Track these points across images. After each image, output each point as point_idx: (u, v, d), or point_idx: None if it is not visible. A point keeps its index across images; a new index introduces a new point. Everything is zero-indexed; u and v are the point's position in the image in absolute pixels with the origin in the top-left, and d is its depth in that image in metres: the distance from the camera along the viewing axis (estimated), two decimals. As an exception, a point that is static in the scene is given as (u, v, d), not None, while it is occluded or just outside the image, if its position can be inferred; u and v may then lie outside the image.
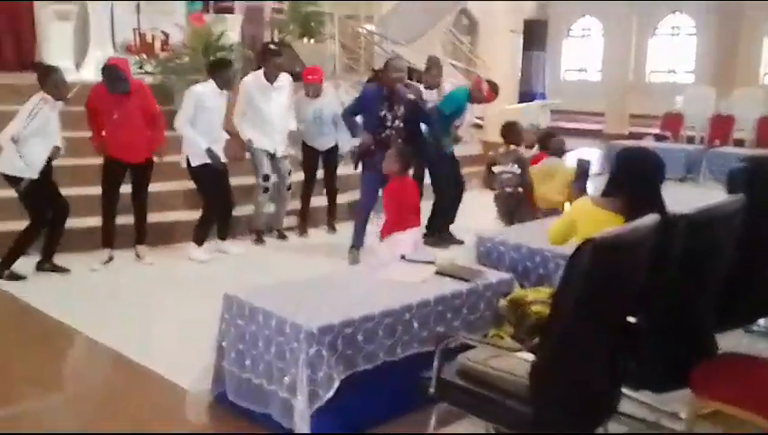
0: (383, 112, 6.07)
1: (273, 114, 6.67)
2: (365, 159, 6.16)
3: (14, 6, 9.20)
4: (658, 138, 11.97)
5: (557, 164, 6.23)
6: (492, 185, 6.25)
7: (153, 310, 5.05)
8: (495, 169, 6.14)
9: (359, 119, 6.30)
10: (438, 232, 6.92)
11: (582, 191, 4.38)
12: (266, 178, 6.64)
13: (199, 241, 6.27)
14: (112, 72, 5.78)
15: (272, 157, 6.70)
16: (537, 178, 6.17)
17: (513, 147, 6.16)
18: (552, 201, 6.10)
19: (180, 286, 5.56)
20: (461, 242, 6.72)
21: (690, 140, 12.72)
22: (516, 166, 6.09)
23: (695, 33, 17.67)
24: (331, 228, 7.29)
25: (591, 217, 3.42)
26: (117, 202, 5.93)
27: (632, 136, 14.23)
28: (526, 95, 15.10)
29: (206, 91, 6.16)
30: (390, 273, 3.99)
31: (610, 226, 3.31)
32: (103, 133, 5.87)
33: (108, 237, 5.94)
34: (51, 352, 4.41)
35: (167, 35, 9.70)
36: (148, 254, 6.12)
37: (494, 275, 4.07)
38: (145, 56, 9.43)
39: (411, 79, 12.17)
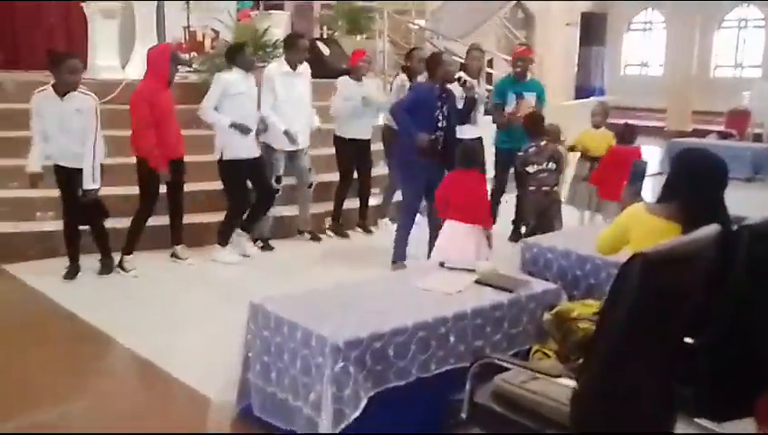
0: (437, 112, 5.72)
1: (295, 103, 6.39)
2: (405, 168, 5.89)
3: (66, 5, 9.25)
4: (723, 135, 11.43)
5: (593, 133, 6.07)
6: (523, 185, 5.97)
7: (181, 314, 4.90)
8: (530, 168, 5.83)
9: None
10: None
11: (637, 195, 4.04)
12: (279, 179, 6.40)
13: (224, 241, 6.06)
14: (178, 54, 5.65)
15: (290, 154, 6.43)
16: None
17: (543, 143, 5.86)
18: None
19: (210, 290, 5.41)
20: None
21: (757, 138, 12.10)
22: (552, 163, 5.76)
23: (763, 25, 16.86)
24: (366, 230, 7.02)
25: (645, 226, 3.12)
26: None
27: (695, 133, 13.65)
28: (583, 90, 14.63)
29: (232, 78, 5.97)
30: (426, 281, 3.75)
31: (666, 235, 3.01)
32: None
33: (134, 244, 5.71)
34: (76, 356, 4.30)
35: (217, 33, 9.60)
36: (186, 253, 5.97)
37: (539, 285, 3.79)
38: (195, 54, 9.38)
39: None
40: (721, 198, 3.05)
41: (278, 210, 6.59)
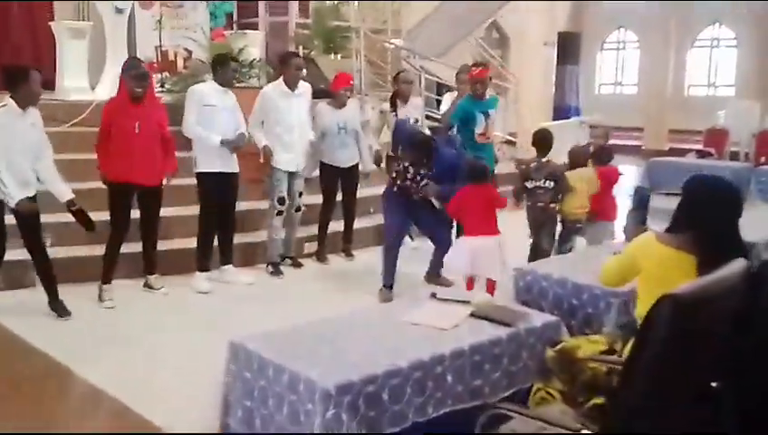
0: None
1: (294, 125, 6.17)
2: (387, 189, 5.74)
3: (33, 25, 8.94)
4: (701, 154, 11.39)
5: (581, 173, 5.81)
6: (522, 200, 5.83)
7: (154, 348, 4.58)
8: (528, 184, 5.66)
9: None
10: None
11: (641, 223, 3.84)
12: (282, 200, 6.15)
13: (201, 266, 5.80)
14: (138, 64, 5.33)
15: (289, 175, 6.21)
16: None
17: (545, 160, 5.69)
18: (571, 213, 5.74)
19: (185, 322, 5.09)
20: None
21: (734, 156, 12.10)
22: (550, 181, 5.61)
23: (735, 45, 17.00)
24: (348, 255, 6.79)
25: (656, 256, 2.92)
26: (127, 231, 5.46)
27: (672, 152, 13.62)
28: (560, 110, 14.58)
29: (206, 90, 5.74)
30: (418, 315, 3.52)
31: (679, 266, 2.84)
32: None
33: (112, 272, 5.40)
34: (39, 395, 3.98)
35: (189, 53, 9.38)
36: (159, 282, 5.67)
37: (538, 318, 3.58)
38: (167, 74, 9.13)
39: (440, 94, 11.81)
40: (736, 226, 2.88)
41: (252, 236, 6.32)
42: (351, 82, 6.75)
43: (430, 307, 3.66)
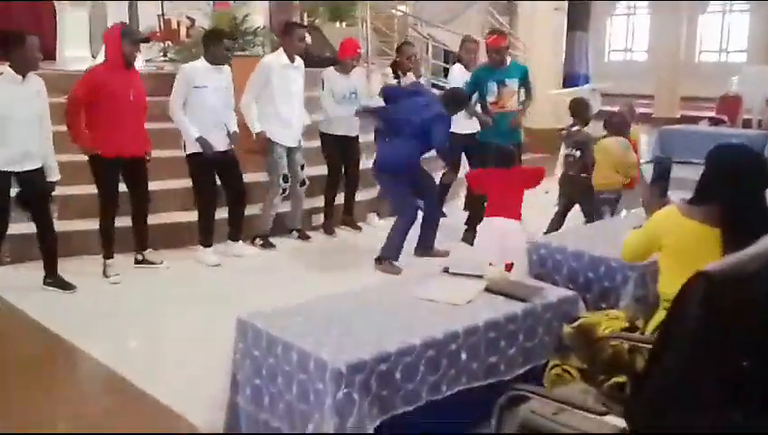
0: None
1: (293, 98, 6.03)
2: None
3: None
4: (714, 122, 11.18)
5: (607, 144, 5.66)
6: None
7: (160, 325, 4.52)
8: (561, 150, 5.65)
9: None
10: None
11: (662, 196, 3.69)
12: (286, 178, 6.01)
13: (205, 241, 5.68)
14: (136, 30, 5.15)
15: (288, 150, 6.08)
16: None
17: (576, 128, 5.56)
18: (597, 184, 5.61)
19: (192, 295, 5.00)
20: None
21: (746, 123, 11.88)
22: (577, 150, 5.55)
23: (747, 9, 16.67)
24: (354, 227, 6.66)
25: (679, 230, 2.80)
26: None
27: (684, 120, 13.40)
28: (570, 78, 14.32)
29: (196, 67, 5.52)
30: (430, 290, 3.41)
31: (704, 239, 2.72)
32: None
33: (112, 247, 5.26)
34: (44, 374, 3.92)
35: (193, 21, 9.21)
36: (157, 257, 5.55)
37: (553, 293, 3.47)
38: (170, 43, 8.98)
39: (447, 61, 11.61)
40: (763, 197, 2.75)
41: (250, 208, 6.21)
42: (359, 51, 6.58)
43: (442, 282, 3.56)
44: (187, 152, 5.55)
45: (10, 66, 4.60)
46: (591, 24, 17.02)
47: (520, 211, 4.93)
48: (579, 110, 5.82)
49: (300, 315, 3.13)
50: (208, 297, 4.94)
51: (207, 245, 5.67)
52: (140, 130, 5.21)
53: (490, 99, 6.09)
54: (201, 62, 5.57)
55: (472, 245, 6.05)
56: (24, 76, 4.62)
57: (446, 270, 3.72)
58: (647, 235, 2.99)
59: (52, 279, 4.96)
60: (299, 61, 6.06)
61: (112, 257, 5.21)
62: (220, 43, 5.52)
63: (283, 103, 5.93)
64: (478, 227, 5.19)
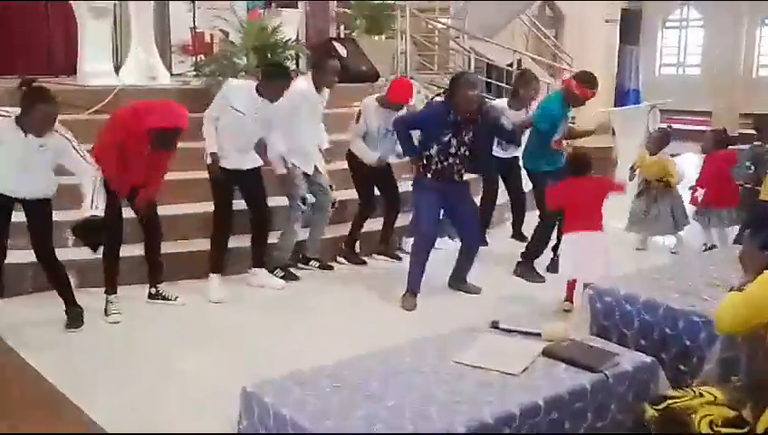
0: (447, 138, 4.94)
1: (310, 128, 5.53)
2: (417, 186, 5.12)
3: (54, 5, 8.39)
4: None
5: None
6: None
7: (161, 377, 3.91)
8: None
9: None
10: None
11: (765, 248, 2.99)
12: (304, 200, 5.48)
13: (213, 268, 5.16)
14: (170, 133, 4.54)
15: (307, 176, 5.56)
16: None
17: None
18: None
19: (199, 340, 4.41)
20: (541, 279, 5.57)
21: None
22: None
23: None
24: (391, 257, 6.04)
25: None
26: None
27: (743, 139, 12.56)
28: (618, 94, 13.63)
29: (238, 92, 5.05)
30: (477, 354, 2.82)
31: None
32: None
33: (115, 280, 4.78)
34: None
35: (226, 34, 8.74)
36: (173, 290, 5.03)
37: (628, 359, 2.84)
38: (203, 57, 8.56)
39: (490, 76, 11.01)
40: None
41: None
42: (411, 101, 5.95)
43: (491, 342, 2.96)
44: (208, 162, 5.08)
45: (16, 122, 4.15)
46: (642, 37, 16.29)
47: (600, 221, 4.79)
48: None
49: (315, 386, 2.56)
50: (215, 340, 4.36)
51: (215, 271, 5.15)
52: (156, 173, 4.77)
53: (556, 136, 5.47)
54: (246, 86, 5.09)
55: (530, 280, 5.54)
56: (25, 133, 4.16)
57: (495, 325, 3.13)
58: (753, 303, 2.35)
59: (68, 310, 4.52)
60: (326, 91, 5.55)
61: (115, 293, 4.70)
62: (276, 80, 5.02)
63: (299, 133, 5.44)
64: (566, 247, 4.88)
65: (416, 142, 5.15)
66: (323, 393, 2.50)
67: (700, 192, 6.08)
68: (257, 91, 5.01)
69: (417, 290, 5.02)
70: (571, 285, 4.81)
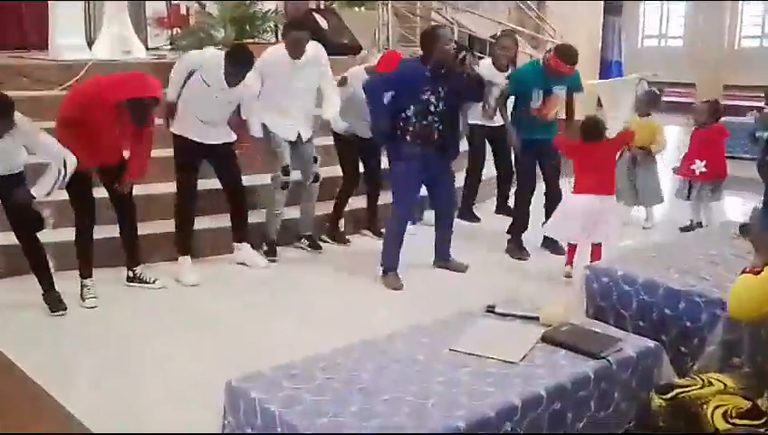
0: (426, 96, 4.75)
1: (296, 94, 5.26)
2: (396, 156, 4.93)
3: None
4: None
5: None
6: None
7: (140, 365, 3.74)
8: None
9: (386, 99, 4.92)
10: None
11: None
12: (286, 170, 5.26)
13: (180, 250, 4.94)
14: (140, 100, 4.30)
15: (293, 144, 5.33)
16: None
17: None
18: None
19: (179, 326, 4.21)
20: (525, 257, 5.47)
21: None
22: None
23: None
24: (376, 234, 5.84)
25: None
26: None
27: (728, 110, 12.49)
28: (601, 66, 13.46)
29: (214, 59, 4.80)
30: (470, 341, 2.69)
31: None
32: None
33: (90, 264, 4.57)
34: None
35: (203, 6, 8.49)
36: (149, 272, 4.82)
37: (630, 345, 2.72)
38: (179, 30, 8.30)
39: (472, 48, 10.82)
40: None
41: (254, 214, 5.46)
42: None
43: (488, 328, 2.83)
44: (172, 130, 4.90)
45: None
46: (623, 9, 16.10)
47: (612, 185, 4.86)
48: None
49: (304, 379, 2.41)
50: (201, 329, 4.14)
51: (184, 253, 4.96)
52: (117, 143, 4.52)
53: (531, 105, 5.29)
54: (217, 59, 4.82)
55: (517, 257, 5.44)
56: None
57: (490, 309, 3.00)
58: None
59: (47, 294, 4.33)
60: (309, 53, 5.26)
61: (90, 277, 4.51)
62: (239, 64, 4.78)
63: (283, 100, 5.22)
64: (559, 206, 4.99)
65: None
66: (314, 387, 2.36)
67: (699, 165, 5.94)
68: (225, 79, 4.76)
69: (397, 267, 4.88)
70: (572, 250, 4.81)
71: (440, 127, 4.81)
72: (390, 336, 2.77)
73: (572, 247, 4.87)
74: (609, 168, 4.85)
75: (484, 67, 6.12)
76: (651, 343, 2.74)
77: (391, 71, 5.31)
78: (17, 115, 3.97)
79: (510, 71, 5.90)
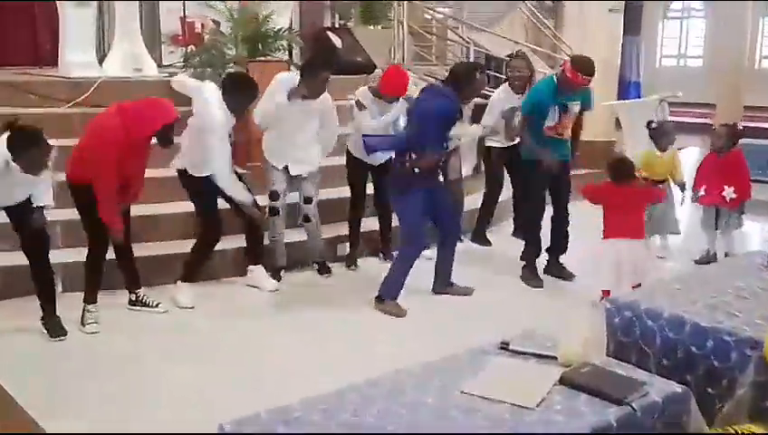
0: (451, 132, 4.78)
1: (297, 133, 5.14)
2: (400, 177, 4.80)
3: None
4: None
5: None
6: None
7: (135, 393, 3.61)
8: None
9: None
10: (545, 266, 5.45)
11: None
12: (274, 195, 5.15)
13: (186, 276, 4.81)
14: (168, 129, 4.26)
15: (288, 174, 5.22)
16: None
17: None
18: None
19: (179, 354, 4.05)
20: (571, 276, 5.36)
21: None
22: None
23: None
24: (387, 257, 5.67)
25: None
26: None
27: (750, 132, 12.26)
28: (619, 86, 13.27)
29: (214, 95, 4.71)
30: (485, 383, 2.50)
31: None
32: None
33: (96, 289, 4.45)
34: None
35: (217, 24, 8.42)
36: (151, 296, 4.68)
37: (656, 389, 2.52)
38: (194, 48, 8.22)
39: (489, 68, 10.68)
40: None
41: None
42: (407, 93, 5.45)
43: (502, 367, 2.65)
44: (193, 174, 4.77)
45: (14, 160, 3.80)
46: (643, 27, 15.92)
47: (641, 229, 4.84)
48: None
49: (305, 424, 2.24)
50: (202, 358, 4.00)
51: (186, 279, 4.81)
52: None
53: (548, 123, 5.12)
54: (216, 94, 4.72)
55: (532, 285, 5.26)
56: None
57: (504, 346, 2.81)
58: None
59: (48, 320, 4.21)
60: (322, 99, 5.14)
61: (95, 302, 4.37)
62: (246, 97, 4.75)
63: (284, 133, 5.12)
64: (595, 250, 4.88)
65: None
66: (305, 429, 2.18)
67: (728, 191, 5.65)
68: (227, 104, 4.66)
69: (396, 296, 4.75)
70: (606, 293, 4.62)
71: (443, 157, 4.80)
72: (397, 375, 2.58)
73: (605, 293, 4.68)
74: (638, 210, 4.81)
75: (502, 91, 6.01)
76: (679, 388, 2.54)
77: (393, 89, 5.25)
78: None
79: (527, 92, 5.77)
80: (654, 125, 6.00)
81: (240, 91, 4.68)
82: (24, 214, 4.06)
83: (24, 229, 4.10)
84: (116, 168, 4.12)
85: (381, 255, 5.77)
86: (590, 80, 5.02)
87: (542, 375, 2.56)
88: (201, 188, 4.74)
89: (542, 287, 5.23)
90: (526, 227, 5.49)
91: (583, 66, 4.98)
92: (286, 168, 5.18)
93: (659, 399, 2.46)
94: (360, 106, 5.37)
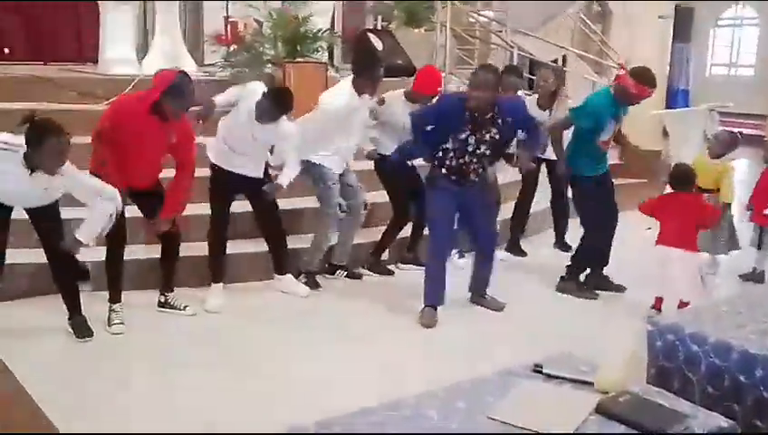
0: (464, 135, 4.50)
1: (351, 134, 5.11)
2: (430, 187, 4.71)
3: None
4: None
5: None
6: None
7: (155, 397, 3.54)
8: None
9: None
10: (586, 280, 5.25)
11: None
12: (341, 206, 5.12)
13: (214, 277, 4.78)
14: (184, 87, 4.15)
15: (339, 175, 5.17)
16: None
17: None
18: None
19: (203, 361, 3.94)
20: (622, 289, 5.18)
21: None
22: None
23: None
24: (419, 264, 5.45)
25: None
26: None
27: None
28: (669, 94, 12.96)
29: (242, 103, 4.66)
30: (516, 409, 2.34)
31: None
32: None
33: (120, 288, 4.42)
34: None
35: (260, 24, 8.40)
36: (179, 300, 4.61)
37: (700, 422, 2.33)
38: (236, 47, 8.21)
39: (533, 73, 10.48)
40: None
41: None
42: (440, 90, 5.42)
43: (533, 392, 2.49)
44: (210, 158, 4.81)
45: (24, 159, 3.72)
46: (693, 35, 15.54)
47: (695, 242, 4.67)
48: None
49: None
50: (227, 366, 3.89)
51: (215, 280, 4.79)
52: (154, 172, 4.44)
53: (603, 137, 4.95)
54: (248, 102, 4.64)
55: (586, 297, 5.07)
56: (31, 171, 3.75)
57: (537, 369, 2.65)
58: None
59: (72, 318, 4.16)
60: (366, 96, 5.11)
61: (120, 301, 4.32)
62: (278, 109, 4.63)
63: (339, 138, 5.06)
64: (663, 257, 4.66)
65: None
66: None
67: None
68: (256, 114, 4.60)
69: (437, 303, 4.59)
70: (659, 300, 4.59)
71: (479, 168, 4.60)
72: (420, 397, 2.43)
73: (658, 300, 4.62)
74: (692, 223, 4.64)
75: (528, 103, 5.82)
76: (725, 422, 2.36)
77: (427, 87, 5.16)
78: None
79: (554, 108, 5.64)
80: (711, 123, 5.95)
81: (273, 104, 4.58)
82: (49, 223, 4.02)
83: (54, 251, 4.02)
84: (112, 140, 4.09)
85: (413, 262, 5.62)
86: (653, 92, 4.93)
87: (576, 402, 2.40)
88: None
89: (596, 299, 5.05)
90: (588, 255, 5.22)
91: (647, 79, 4.87)
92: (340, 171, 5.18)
93: (704, 432, 2.28)
94: (382, 102, 5.33)
